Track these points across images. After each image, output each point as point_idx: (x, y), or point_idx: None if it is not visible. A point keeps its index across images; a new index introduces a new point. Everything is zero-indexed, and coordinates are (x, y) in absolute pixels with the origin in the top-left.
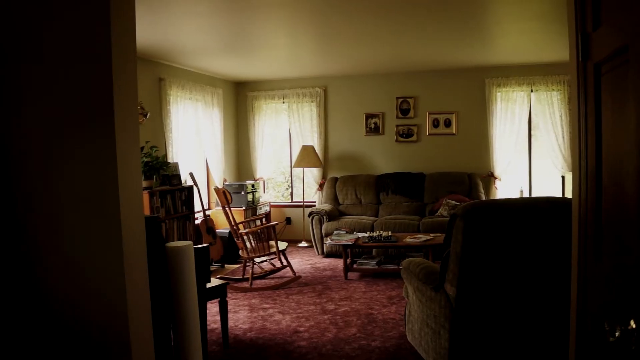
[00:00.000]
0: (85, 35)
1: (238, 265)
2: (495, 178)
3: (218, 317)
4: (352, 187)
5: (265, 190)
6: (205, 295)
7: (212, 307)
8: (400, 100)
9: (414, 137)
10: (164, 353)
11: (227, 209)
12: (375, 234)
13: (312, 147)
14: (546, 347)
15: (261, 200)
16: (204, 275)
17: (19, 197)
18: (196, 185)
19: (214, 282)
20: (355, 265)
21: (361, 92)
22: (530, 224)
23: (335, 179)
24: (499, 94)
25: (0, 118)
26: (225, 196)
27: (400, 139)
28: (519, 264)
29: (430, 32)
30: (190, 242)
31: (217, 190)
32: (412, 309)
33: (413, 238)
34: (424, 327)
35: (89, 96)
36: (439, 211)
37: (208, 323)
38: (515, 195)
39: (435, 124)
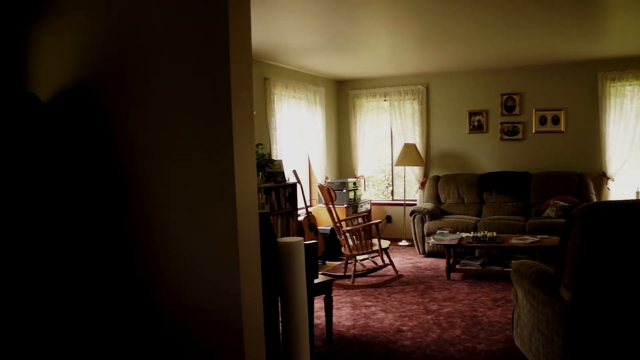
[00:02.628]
0: (205, 44)
1: (339, 262)
2: (608, 178)
3: (321, 313)
4: (455, 186)
5: (366, 188)
6: (313, 291)
7: (316, 303)
8: (505, 96)
9: (520, 135)
10: (273, 346)
11: (330, 206)
12: (479, 234)
13: (414, 145)
14: None
15: (362, 198)
16: (312, 271)
17: (134, 200)
18: (299, 183)
19: (320, 278)
20: (457, 266)
21: (464, 88)
22: None
23: (437, 178)
24: (613, 89)
25: (122, 123)
26: (329, 193)
27: (505, 137)
28: None
29: (538, 25)
30: (301, 238)
31: (321, 187)
32: (522, 313)
33: (519, 239)
34: (534, 332)
35: (210, 101)
36: (545, 212)
37: None
38: (631, 197)
39: (542, 121)
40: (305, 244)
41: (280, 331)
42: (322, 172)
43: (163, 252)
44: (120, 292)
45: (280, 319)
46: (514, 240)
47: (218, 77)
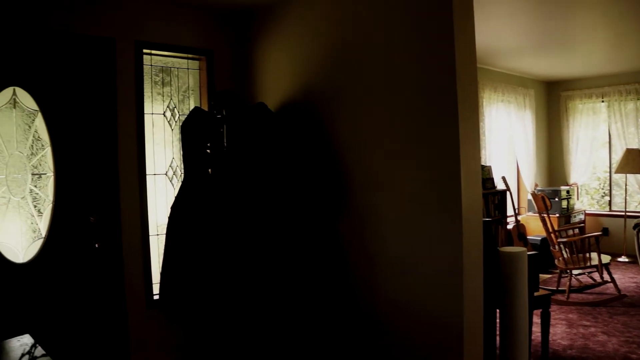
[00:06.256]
0: (431, 60)
1: (550, 275)
2: None
3: (535, 328)
4: None
5: (579, 197)
6: (532, 304)
7: None
8: None
9: None
10: (489, 357)
11: (545, 215)
12: None
13: (638, 151)
14: None
15: (575, 207)
16: (533, 284)
17: (352, 203)
18: (509, 190)
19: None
20: None
21: None
22: None
23: None
24: None
25: (346, 129)
26: (543, 202)
27: None
28: None
29: None
30: (525, 249)
31: (534, 195)
32: None
33: None
34: None
35: (435, 109)
36: None
37: None
38: None
39: None
40: (528, 254)
41: (497, 345)
42: (531, 179)
43: (380, 258)
44: (335, 295)
45: (497, 333)
46: None
47: (443, 87)
